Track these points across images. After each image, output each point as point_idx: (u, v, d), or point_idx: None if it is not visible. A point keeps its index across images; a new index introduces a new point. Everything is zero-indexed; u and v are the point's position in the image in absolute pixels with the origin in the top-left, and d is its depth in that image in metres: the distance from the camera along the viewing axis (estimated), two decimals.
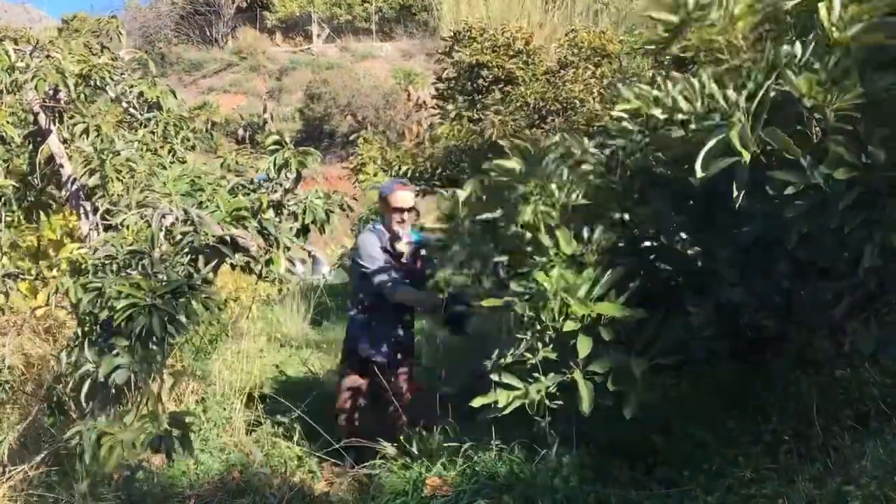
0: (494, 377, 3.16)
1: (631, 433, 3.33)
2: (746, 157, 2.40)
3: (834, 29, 2.53)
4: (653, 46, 3.00)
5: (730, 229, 2.89)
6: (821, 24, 2.56)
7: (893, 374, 3.16)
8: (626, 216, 3.20)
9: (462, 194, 3.17)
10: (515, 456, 3.44)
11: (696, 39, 2.78)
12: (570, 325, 2.88)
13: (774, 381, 3.30)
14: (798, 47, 2.58)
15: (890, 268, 2.48)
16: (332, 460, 4.43)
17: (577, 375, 2.96)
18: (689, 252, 3.01)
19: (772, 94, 2.53)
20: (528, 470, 3.30)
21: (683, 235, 2.95)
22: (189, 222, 3.59)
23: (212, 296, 3.45)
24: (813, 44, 2.58)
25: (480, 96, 9.80)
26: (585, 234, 2.95)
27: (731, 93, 2.54)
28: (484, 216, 3.02)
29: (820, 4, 2.55)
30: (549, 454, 3.29)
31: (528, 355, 3.19)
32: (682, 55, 2.86)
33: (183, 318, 3.20)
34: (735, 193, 2.47)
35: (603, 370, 2.94)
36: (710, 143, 2.49)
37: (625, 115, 3.04)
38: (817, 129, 2.47)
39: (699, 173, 2.50)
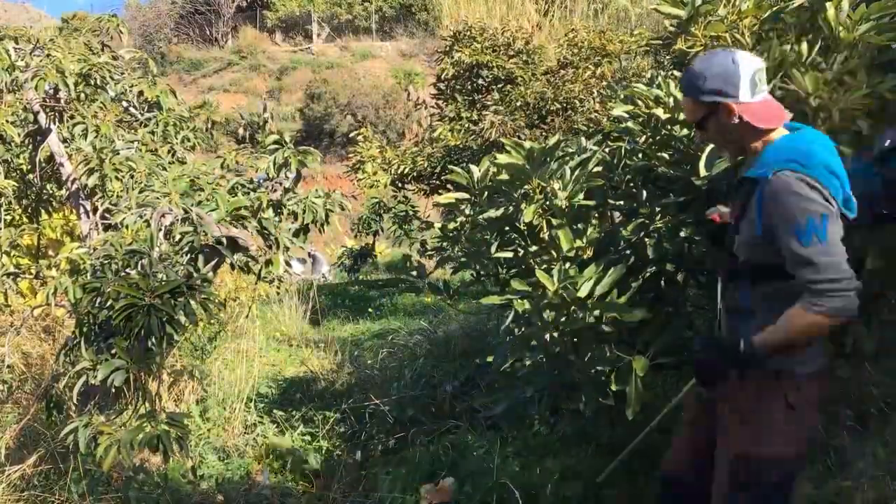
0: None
1: (631, 433, 3.32)
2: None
3: (841, 28, 2.53)
4: (658, 42, 2.99)
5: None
6: (828, 23, 2.56)
7: (893, 374, 3.15)
8: (628, 215, 3.19)
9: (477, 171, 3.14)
10: (516, 462, 3.43)
11: (703, 36, 2.78)
12: (571, 325, 2.87)
13: None
14: (805, 46, 2.58)
15: (892, 268, 2.47)
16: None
17: (579, 375, 2.95)
18: (692, 251, 3.00)
19: (777, 92, 2.53)
20: (526, 472, 3.30)
21: (685, 234, 2.94)
22: (189, 222, 3.58)
23: (210, 296, 3.44)
24: (819, 43, 2.58)
25: (480, 96, 9.79)
26: (588, 231, 2.94)
27: None
28: (486, 215, 3.01)
29: (828, 4, 2.55)
30: (546, 459, 3.29)
31: (529, 355, 3.18)
32: (687, 50, 2.85)
33: (182, 319, 3.19)
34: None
35: (604, 370, 2.93)
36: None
37: (625, 115, 3.03)
38: (822, 128, 2.47)
39: (703, 172, 2.50)
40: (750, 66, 1.94)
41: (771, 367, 1.94)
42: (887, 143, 2.07)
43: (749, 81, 1.93)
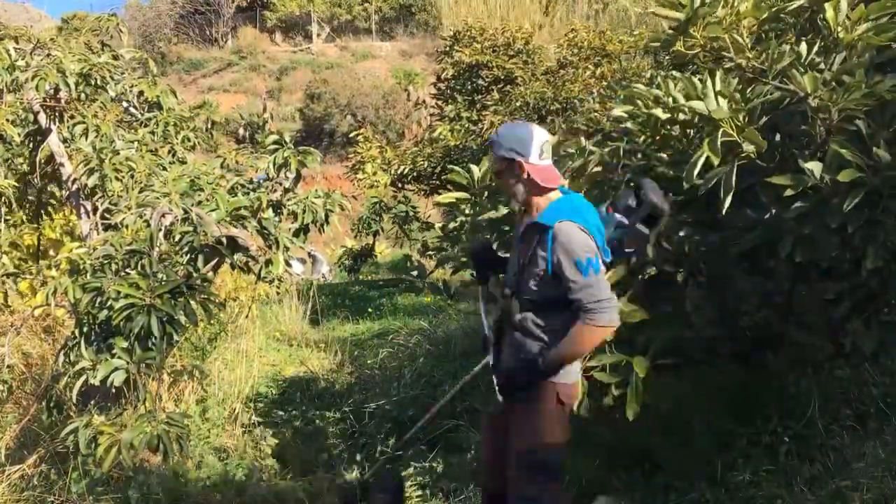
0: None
1: (631, 435, 3.32)
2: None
3: (840, 29, 2.53)
4: (657, 43, 2.98)
5: (733, 230, 2.88)
6: (827, 23, 2.56)
7: (893, 374, 3.16)
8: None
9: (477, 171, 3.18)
10: None
11: (701, 37, 2.78)
12: None
13: (774, 381, 3.29)
14: (804, 46, 2.58)
15: (892, 268, 2.48)
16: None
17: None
18: (692, 251, 3.00)
19: (777, 93, 2.53)
20: None
21: (684, 234, 2.95)
22: (189, 222, 3.58)
23: (210, 296, 3.44)
24: (818, 43, 2.58)
25: (480, 96, 9.80)
26: None
27: (722, 101, 2.55)
28: (486, 216, 3.01)
29: (827, 4, 2.55)
30: None
31: None
32: (686, 52, 2.85)
33: (182, 319, 3.19)
34: (728, 199, 2.50)
35: (603, 370, 2.93)
36: (705, 147, 2.51)
37: (625, 115, 3.03)
38: (821, 128, 2.47)
39: (693, 178, 2.52)
40: (540, 137, 2.50)
41: (551, 379, 2.49)
42: (630, 201, 2.67)
43: (538, 148, 2.47)
